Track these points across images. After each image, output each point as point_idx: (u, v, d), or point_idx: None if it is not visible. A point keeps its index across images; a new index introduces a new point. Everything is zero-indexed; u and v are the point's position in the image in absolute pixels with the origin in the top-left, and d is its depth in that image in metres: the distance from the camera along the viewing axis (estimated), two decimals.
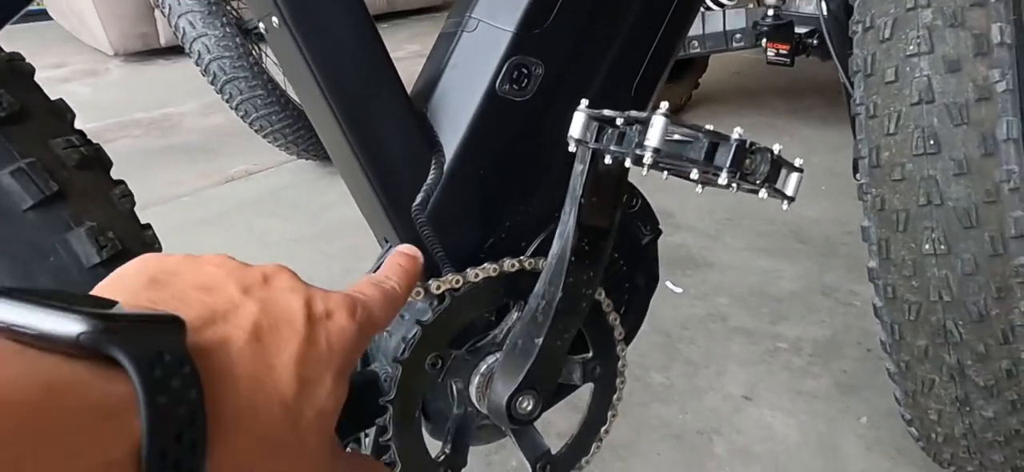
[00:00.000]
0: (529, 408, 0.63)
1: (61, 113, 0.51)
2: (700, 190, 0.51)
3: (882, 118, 0.78)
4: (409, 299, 0.58)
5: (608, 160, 0.52)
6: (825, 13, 1.06)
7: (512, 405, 0.62)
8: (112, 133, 2.62)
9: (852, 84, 0.89)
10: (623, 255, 0.72)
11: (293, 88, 0.63)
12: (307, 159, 2.26)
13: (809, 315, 1.63)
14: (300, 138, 2.08)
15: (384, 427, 0.62)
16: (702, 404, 1.38)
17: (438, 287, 0.60)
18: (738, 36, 2.18)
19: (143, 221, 0.55)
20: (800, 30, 2.02)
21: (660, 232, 0.75)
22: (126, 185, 0.55)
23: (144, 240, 0.54)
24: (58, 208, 0.48)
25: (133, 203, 0.55)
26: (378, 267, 0.68)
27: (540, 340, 0.60)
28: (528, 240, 0.67)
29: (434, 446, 0.66)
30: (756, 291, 1.72)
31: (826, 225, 2.00)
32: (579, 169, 0.55)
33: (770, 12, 2.02)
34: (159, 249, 0.56)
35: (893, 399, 1.20)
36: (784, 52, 2.01)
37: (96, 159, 0.52)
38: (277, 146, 2.12)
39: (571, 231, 0.56)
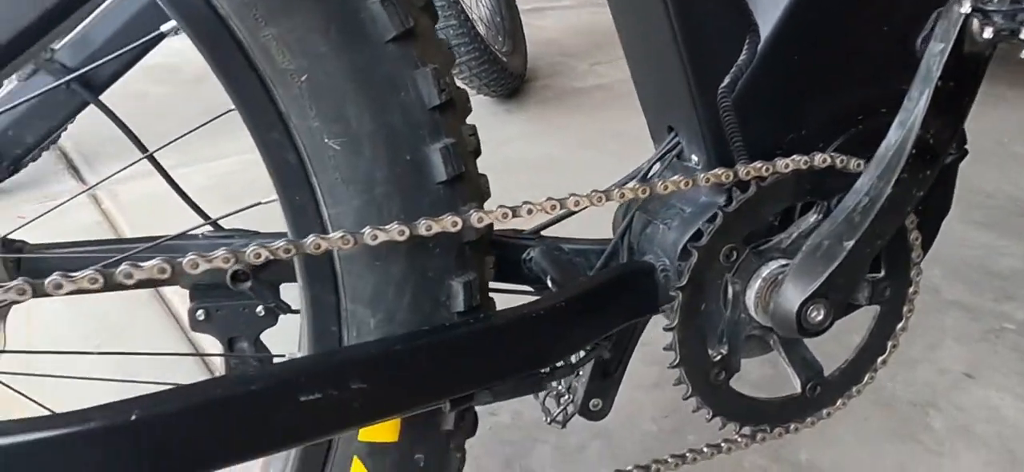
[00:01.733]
0: (820, 318, 0.59)
1: None
2: None
3: None
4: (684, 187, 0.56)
5: (988, 34, 0.46)
6: None
7: (803, 313, 0.58)
8: None
9: None
10: None
11: None
12: (486, 95, 2.29)
13: None
14: (484, 72, 2.11)
15: (637, 323, 0.60)
16: (914, 375, 1.27)
17: (747, 173, 0.56)
18: None
19: None
20: None
21: (966, 153, 0.67)
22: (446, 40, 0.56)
23: (460, 95, 0.55)
24: (411, 45, 0.49)
25: (454, 58, 0.56)
26: (662, 155, 0.65)
27: (850, 243, 0.56)
28: (827, 139, 0.62)
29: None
30: (975, 266, 1.55)
31: None
32: (939, 48, 0.49)
33: None
34: (469, 109, 0.57)
35: None
36: None
37: (431, 8, 0.53)
38: (460, 79, 2.16)
39: (919, 119, 0.50)
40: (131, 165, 0.64)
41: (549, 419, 0.83)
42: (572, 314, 0.57)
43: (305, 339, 0.56)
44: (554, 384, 0.78)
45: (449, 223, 0.49)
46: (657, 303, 0.64)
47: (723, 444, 0.72)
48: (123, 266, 0.45)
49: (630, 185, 0.55)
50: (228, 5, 0.45)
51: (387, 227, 0.48)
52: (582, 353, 0.63)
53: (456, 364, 0.51)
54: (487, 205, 0.54)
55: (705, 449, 0.72)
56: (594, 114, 2.35)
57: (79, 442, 0.38)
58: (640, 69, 0.64)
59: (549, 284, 0.67)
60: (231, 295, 0.73)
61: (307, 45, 0.46)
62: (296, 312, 0.69)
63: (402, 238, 0.48)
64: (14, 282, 0.41)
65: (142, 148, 0.66)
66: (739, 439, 0.69)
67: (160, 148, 0.65)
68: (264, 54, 0.46)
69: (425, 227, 0.49)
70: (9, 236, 0.67)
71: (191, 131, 0.57)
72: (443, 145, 0.51)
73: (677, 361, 0.61)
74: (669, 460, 0.72)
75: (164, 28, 0.63)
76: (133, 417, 0.39)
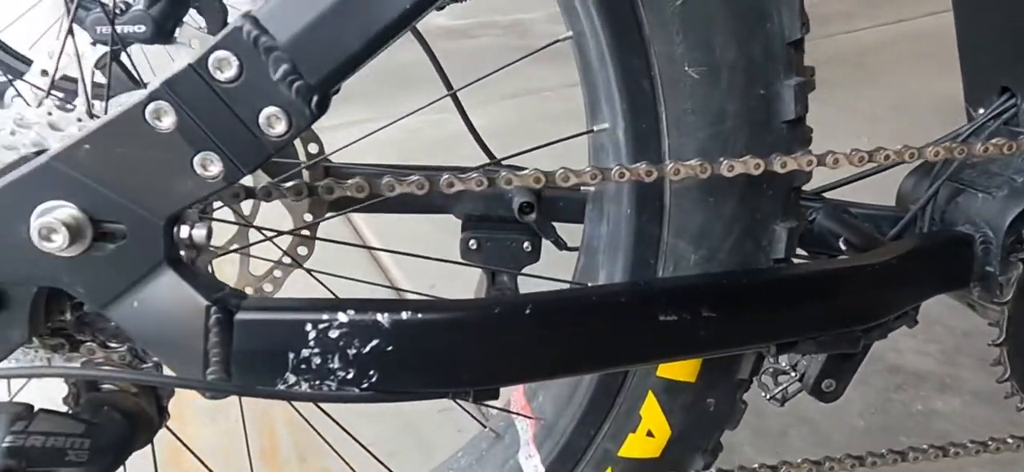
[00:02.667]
0: None
1: None
2: None
3: None
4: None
5: None
6: None
7: None
8: (476, 30, 2.88)
9: None
10: None
11: None
12: None
13: None
14: None
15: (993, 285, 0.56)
16: None
17: None
18: None
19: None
20: None
21: None
22: None
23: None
24: None
25: None
26: (988, 119, 0.61)
27: None
28: None
29: None
30: None
31: None
32: None
33: None
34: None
35: None
36: None
37: None
38: None
39: None
40: (435, 102, 0.68)
41: (768, 395, 0.80)
42: (896, 276, 0.54)
43: (613, 271, 0.56)
44: (774, 359, 0.76)
45: (804, 162, 0.48)
46: (969, 276, 0.59)
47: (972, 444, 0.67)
48: (445, 176, 0.48)
49: (993, 141, 0.51)
50: None
51: (743, 159, 0.48)
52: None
53: (793, 306, 0.50)
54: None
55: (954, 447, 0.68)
56: None
57: (485, 324, 0.41)
58: (979, 24, 0.60)
59: (841, 247, 0.64)
60: (500, 228, 0.76)
61: None
62: (574, 249, 0.71)
63: (757, 172, 0.48)
64: (325, 181, 0.45)
65: (448, 85, 0.69)
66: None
67: (464, 87, 0.69)
68: None
69: (780, 164, 0.48)
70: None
71: (516, 61, 0.60)
72: (796, 83, 0.49)
73: (1001, 338, 0.57)
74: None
75: None
76: (528, 310, 0.41)
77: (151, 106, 0.35)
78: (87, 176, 0.36)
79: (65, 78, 0.61)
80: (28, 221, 0.37)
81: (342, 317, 0.39)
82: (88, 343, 0.46)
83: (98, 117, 0.44)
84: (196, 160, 0.36)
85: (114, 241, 0.38)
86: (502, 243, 0.76)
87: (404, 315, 0.39)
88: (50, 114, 0.43)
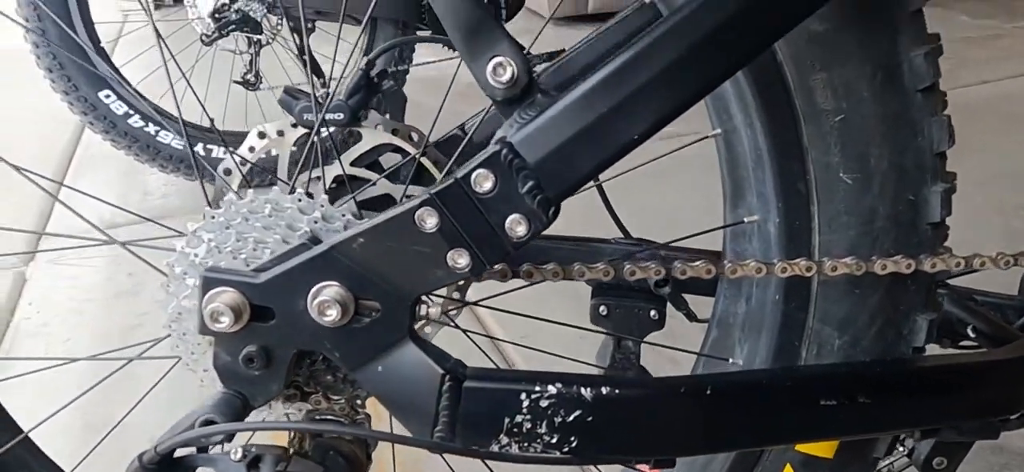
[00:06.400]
0: None
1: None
2: None
3: None
4: None
5: None
6: None
7: None
8: None
9: None
10: None
11: None
12: None
13: None
14: None
15: None
16: None
17: None
18: None
19: None
20: None
21: None
22: None
23: None
24: (933, 95, 0.53)
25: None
26: None
27: None
28: None
29: None
30: None
31: None
32: None
33: None
34: None
35: None
36: None
37: None
38: None
39: None
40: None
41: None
42: None
43: (755, 350, 0.61)
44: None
45: (952, 263, 0.52)
46: None
47: None
48: (626, 264, 0.54)
49: None
50: (786, 51, 0.52)
51: (895, 258, 0.53)
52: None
53: (942, 395, 0.54)
54: None
55: None
56: None
57: (672, 400, 0.47)
58: None
59: (970, 334, 0.67)
60: (629, 296, 0.82)
61: (851, 90, 0.52)
62: (704, 321, 0.76)
63: (908, 271, 0.52)
64: (550, 264, 0.52)
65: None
66: None
67: (613, 177, 0.75)
68: (806, 94, 0.53)
69: (930, 264, 0.52)
70: None
71: (667, 153, 0.65)
72: (942, 189, 0.54)
73: None
74: None
75: None
76: (709, 390, 0.47)
77: (420, 211, 0.43)
78: (356, 263, 0.44)
79: (267, 156, 0.70)
80: (306, 297, 0.45)
81: (552, 389, 0.45)
82: (314, 395, 0.54)
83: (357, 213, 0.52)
84: (449, 255, 0.43)
85: (368, 315, 0.45)
86: (630, 311, 0.82)
87: (604, 390, 0.45)
88: (323, 207, 0.51)
